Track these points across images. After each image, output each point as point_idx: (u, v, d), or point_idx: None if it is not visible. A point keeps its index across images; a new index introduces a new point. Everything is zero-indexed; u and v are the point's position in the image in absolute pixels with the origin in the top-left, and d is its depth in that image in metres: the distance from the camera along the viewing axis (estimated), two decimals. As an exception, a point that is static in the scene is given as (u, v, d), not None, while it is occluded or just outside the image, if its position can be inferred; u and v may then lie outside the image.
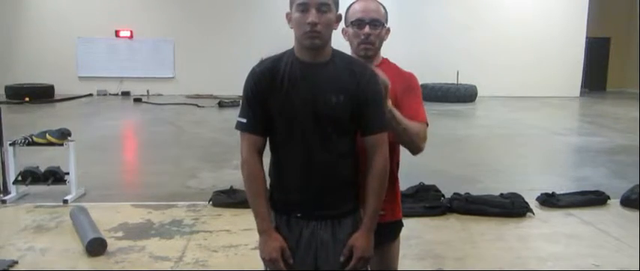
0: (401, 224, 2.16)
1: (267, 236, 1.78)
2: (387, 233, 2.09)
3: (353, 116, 1.77)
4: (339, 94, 1.72)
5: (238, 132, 1.82)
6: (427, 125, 2.00)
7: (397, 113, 1.87)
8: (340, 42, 1.97)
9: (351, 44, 2.03)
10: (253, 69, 1.79)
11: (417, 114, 1.96)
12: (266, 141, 1.81)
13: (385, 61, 2.08)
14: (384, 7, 2.04)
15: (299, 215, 1.82)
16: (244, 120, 1.78)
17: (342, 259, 1.80)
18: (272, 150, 1.85)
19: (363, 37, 1.97)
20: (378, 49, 2.03)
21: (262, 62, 1.79)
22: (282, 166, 1.83)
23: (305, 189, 1.80)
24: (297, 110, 1.73)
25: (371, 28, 1.97)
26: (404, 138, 1.92)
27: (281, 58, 1.78)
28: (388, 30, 2.03)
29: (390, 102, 1.85)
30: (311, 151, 1.76)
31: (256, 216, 1.81)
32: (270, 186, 1.89)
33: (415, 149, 1.96)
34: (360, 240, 1.79)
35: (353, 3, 2.03)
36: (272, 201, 1.87)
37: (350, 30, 2.00)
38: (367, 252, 1.80)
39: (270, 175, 1.88)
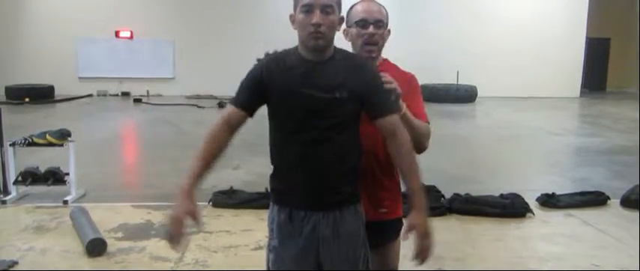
0: (401, 222, 2.15)
1: (185, 197, 1.74)
2: (388, 232, 2.11)
3: (353, 110, 1.78)
4: (341, 90, 1.74)
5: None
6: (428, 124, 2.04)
7: (410, 114, 1.91)
8: (341, 43, 1.97)
9: (353, 45, 2.04)
10: (260, 60, 1.82)
11: (420, 115, 1.99)
12: (242, 119, 1.81)
13: (385, 61, 2.09)
14: (385, 9, 2.05)
15: (300, 202, 1.82)
16: (234, 96, 1.83)
17: (403, 239, 1.78)
18: (272, 143, 1.87)
19: (366, 36, 1.98)
20: (381, 49, 2.04)
21: (268, 55, 1.83)
22: (282, 160, 1.84)
23: (305, 183, 1.80)
24: (298, 104, 1.75)
25: (375, 28, 1.98)
26: (413, 138, 1.93)
27: (286, 54, 1.81)
28: (389, 31, 2.05)
29: (404, 106, 1.88)
30: (310, 145, 1.77)
31: (188, 175, 1.79)
32: (271, 180, 1.91)
33: (421, 148, 1.97)
34: (417, 218, 1.76)
35: (355, 4, 2.05)
36: (273, 194, 1.90)
37: (353, 30, 2.01)
38: (429, 228, 1.77)
39: (272, 163, 1.89)
